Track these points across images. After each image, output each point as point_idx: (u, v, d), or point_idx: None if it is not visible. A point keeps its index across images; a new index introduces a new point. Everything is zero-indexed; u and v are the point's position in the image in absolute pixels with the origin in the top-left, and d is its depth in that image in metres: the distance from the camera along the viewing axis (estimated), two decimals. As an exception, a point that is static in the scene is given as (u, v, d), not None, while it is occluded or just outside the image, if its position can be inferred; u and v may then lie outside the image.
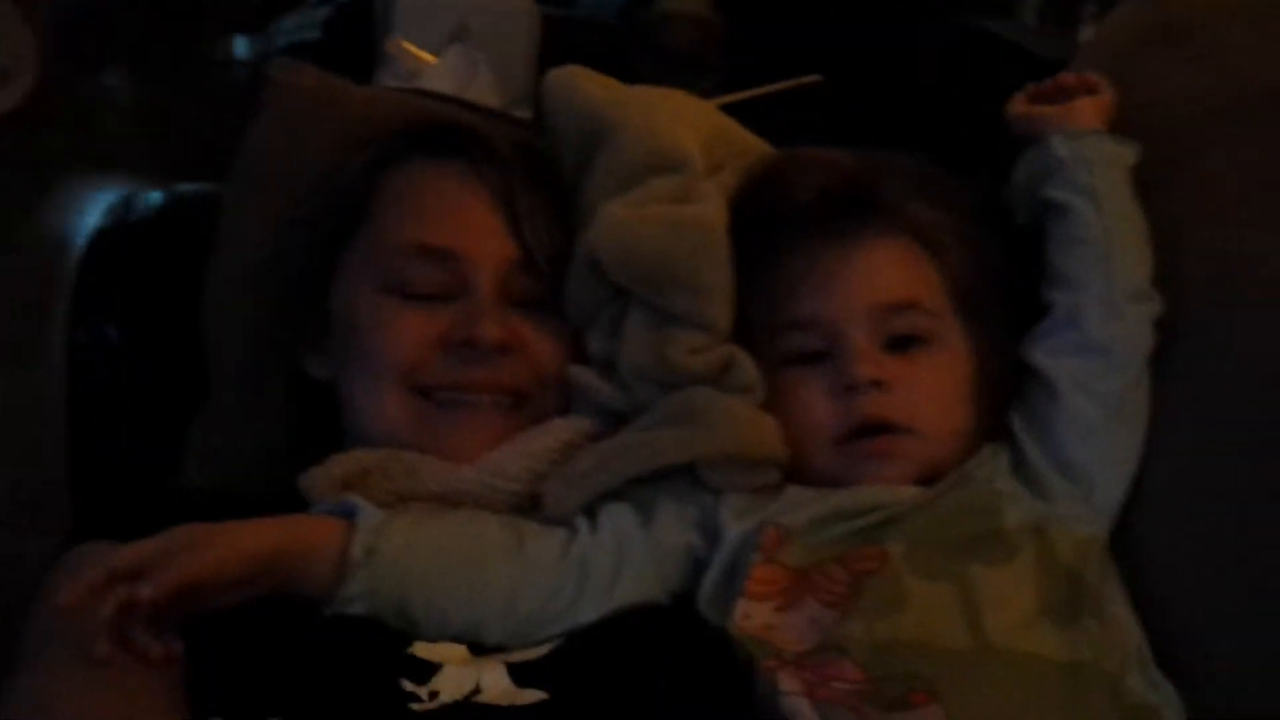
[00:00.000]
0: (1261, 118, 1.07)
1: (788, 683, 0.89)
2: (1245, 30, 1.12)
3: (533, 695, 0.86)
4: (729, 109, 1.29)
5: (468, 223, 1.08)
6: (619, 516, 1.00)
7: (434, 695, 0.85)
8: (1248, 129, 1.07)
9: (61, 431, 1.33)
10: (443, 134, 1.15)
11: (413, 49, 2.14)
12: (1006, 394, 1.06)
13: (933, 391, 1.03)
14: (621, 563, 0.98)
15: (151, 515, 0.98)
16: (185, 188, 1.43)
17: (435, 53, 2.14)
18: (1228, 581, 0.99)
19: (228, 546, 0.88)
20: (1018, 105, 1.12)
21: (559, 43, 2.56)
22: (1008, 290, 1.08)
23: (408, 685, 0.85)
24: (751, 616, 0.94)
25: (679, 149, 1.11)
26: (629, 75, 1.23)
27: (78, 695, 0.83)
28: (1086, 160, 1.04)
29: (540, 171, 1.13)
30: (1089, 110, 1.08)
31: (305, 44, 3.37)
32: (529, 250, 1.08)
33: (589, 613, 0.97)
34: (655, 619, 0.97)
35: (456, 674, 0.87)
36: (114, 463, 1.31)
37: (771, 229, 1.07)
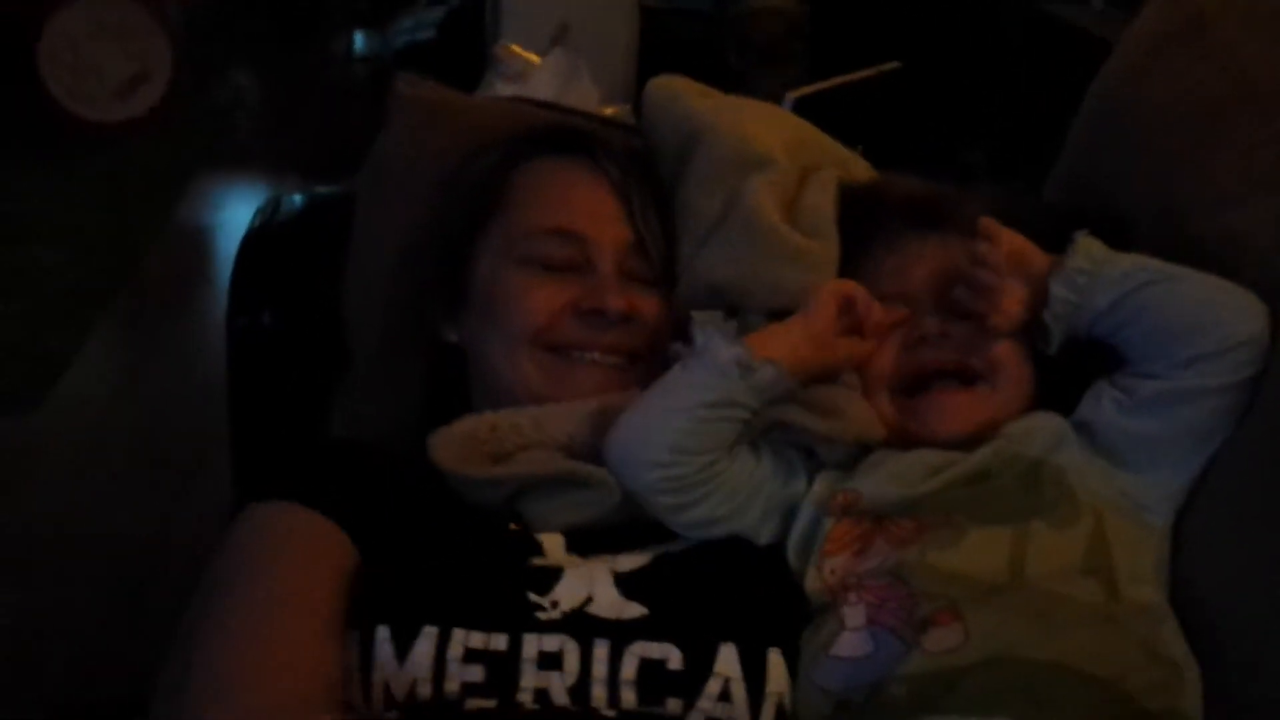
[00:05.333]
0: (1265, 114, 1.14)
1: (853, 618, 1.01)
2: (1253, 30, 1.19)
3: (635, 610, 1.01)
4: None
5: (592, 210, 1.24)
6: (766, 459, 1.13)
7: (555, 604, 1.01)
8: (1251, 125, 1.14)
9: (210, 409, 1.52)
10: (566, 135, 1.33)
11: (519, 50, 2.30)
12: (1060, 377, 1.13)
13: (992, 343, 1.12)
14: (760, 490, 1.12)
15: (309, 469, 1.16)
16: (322, 190, 1.58)
17: (540, 53, 2.30)
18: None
19: None
20: None
21: (658, 31, 2.71)
22: None
23: (533, 597, 1.01)
24: (835, 570, 1.06)
25: (765, 149, 1.26)
26: (720, 65, 1.37)
27: (261, 624, 0.99)
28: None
29: (644, 168, 1.30)
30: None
31: (420, 44, 3.55)
32: (640, 236, 1.25)
33: (716, 507, 1.10)
34: (737, 549, 1.11)
35: (572, 584, 1.03)
36: (271, 430, 1.48)
37: (865, 223, 1.21)
